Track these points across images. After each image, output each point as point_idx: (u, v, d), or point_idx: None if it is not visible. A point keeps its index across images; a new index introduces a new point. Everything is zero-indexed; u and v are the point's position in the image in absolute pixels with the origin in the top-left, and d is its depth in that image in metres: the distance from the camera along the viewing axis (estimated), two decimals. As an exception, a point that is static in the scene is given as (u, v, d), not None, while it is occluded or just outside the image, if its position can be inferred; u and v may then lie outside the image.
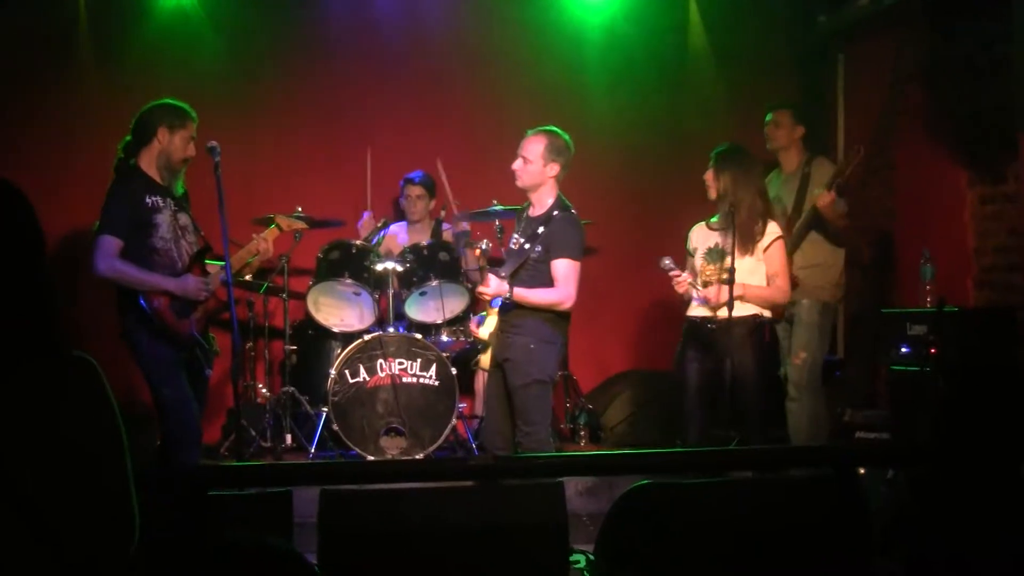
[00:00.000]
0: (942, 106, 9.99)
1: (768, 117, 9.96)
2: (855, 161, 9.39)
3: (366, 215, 10.40)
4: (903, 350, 8.84)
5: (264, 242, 8.12)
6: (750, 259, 8.19)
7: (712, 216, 8.43)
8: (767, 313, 8.33)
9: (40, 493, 3.05)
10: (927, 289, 8.97)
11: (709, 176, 8.35)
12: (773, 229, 8.28)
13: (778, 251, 8.27)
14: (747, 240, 8.18)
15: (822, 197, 9.28)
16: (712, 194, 8.32)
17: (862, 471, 7.40)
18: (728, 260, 8.12)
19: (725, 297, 8.03)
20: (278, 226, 8.41)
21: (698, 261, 8.38)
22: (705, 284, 8.29)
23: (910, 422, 8.69)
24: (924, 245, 9.32)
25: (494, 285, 7.80)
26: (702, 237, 8.47)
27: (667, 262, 8.33)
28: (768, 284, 8.26)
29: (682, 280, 8.27)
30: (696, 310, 8.33)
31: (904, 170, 10.64)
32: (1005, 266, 9.27)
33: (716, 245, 8.27)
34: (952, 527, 5.04)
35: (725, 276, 8.11)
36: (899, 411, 9.00)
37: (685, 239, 8.61)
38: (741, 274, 8.13)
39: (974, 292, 9.58)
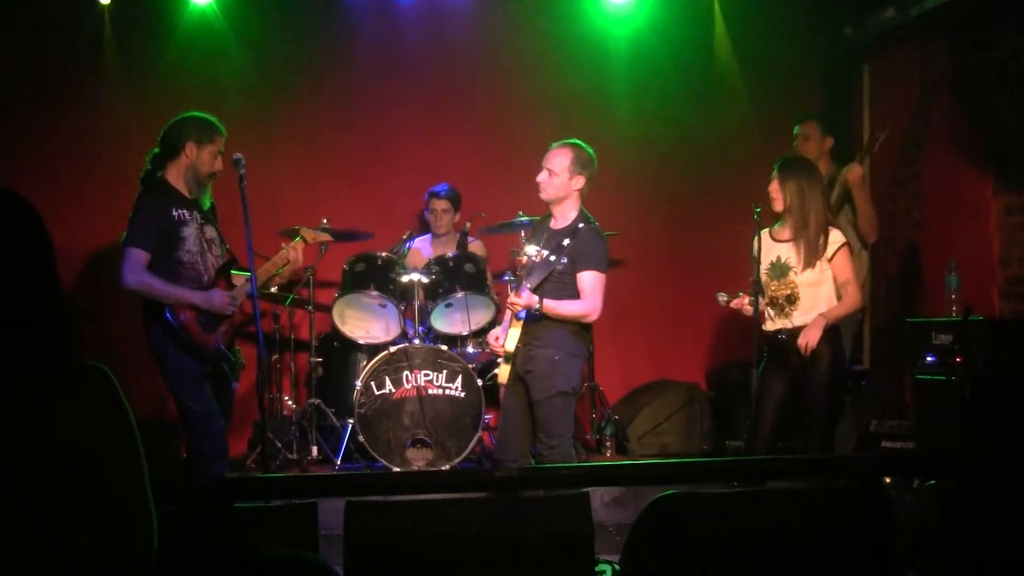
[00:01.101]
0: (968, 117, 9.98)
1: (796, 130, 9.96)
2: (882, 136, 9.45)
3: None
4: (929, 360, 8.84)
5: (293, 251, 8.07)
6: (811, 271, 8.09)
7: (774, 223, 8.32)
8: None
9: (53, 503, 3.06)
10: (952, 299, 8.97)
11: (774, 188, 8.19)
12: (836, 237, 8.13)
13: (844, 258, 8.12)
14: (812, 253, 8.06)
15: (853, 171, 9.41)
16: (778, 206, 8.19)
17: (888, 481, 7.39)
18: (791, 276, 8.10)
19: (815, 338, 8.00)
20: (303, 238, 8.36)
21: (761, 276, 8.31)
22: (772, 300, 8.19)
23: (936, 432, 8.68)
24: (950, 255, 9.31)
25: (525, 297, 7.80)
26: (765, 249, 8.29)
27: (723, 299, 8.29)
28: (840, 292, 8.15)
29: (745, 306, 8.19)
30: (770, 324, 8.25)
31: (930, 180, 10.62)
32: (1031, 276, 9.27)
33: (778, 259, 8.16)
34: (978, 537, 5.02)
35: (788, 292, 8.10)
36: (925, 421, 8.99)
37: (750, 247, 8.42)
38: (805, 289, 8.09)
39: (999, 302, 9.56)
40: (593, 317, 7.94)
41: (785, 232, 8.18)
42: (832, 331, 8.13)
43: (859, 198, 9.59)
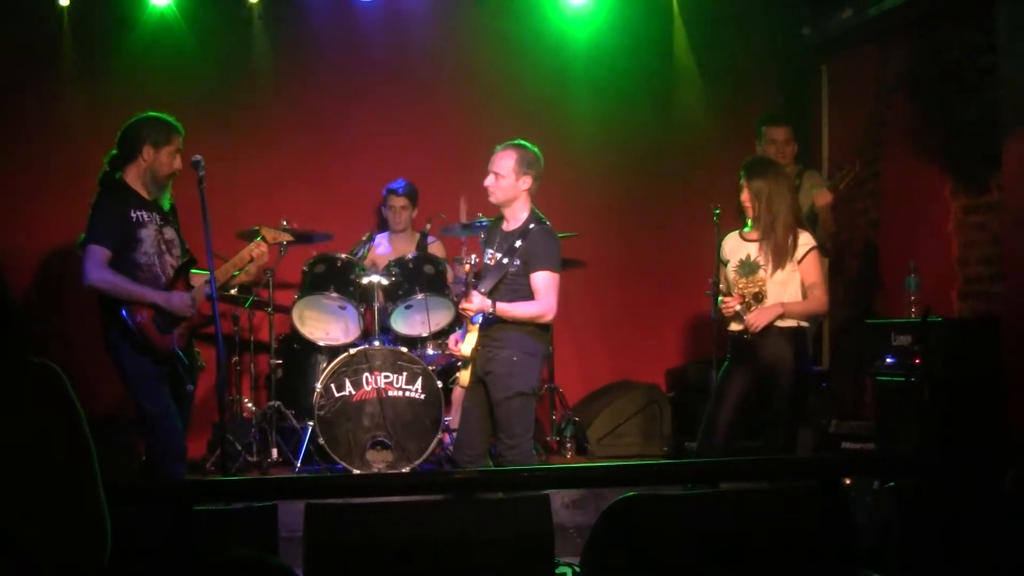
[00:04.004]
0: (926, 117, 10.02)
1: (761, 131, 9.96)
2: (851, 175, 9.46)
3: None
4: (888, 361, 8.86)
5: (257, 248, 7.98)
6: (781, 272, 8.11)
7: (744, 226, 8.33)
8: (805, 323, 8.28)
9: (4, 504, 3.02)
10: (912, 299, 8.99)
11: (745, 196, 8.16)
12: (806, 239, 8.14)
13: (813, 261, 8.14)
14: (781, 254, 8.08)
15: (822, 196, 9.40)
16: (750, 212, 8.21)
17: (848, 482, 7.40)
18: (761, 274, 8.11)
19: (765, 320, 8.01)
20: (263, 238, 8.29)
21: (731, 273, 8.29)
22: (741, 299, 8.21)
23: (895, 432, 8.70)
24: (909, 256, 9.35)
25: (477, 301, 7.79)
26: (735, 247, 8.30)
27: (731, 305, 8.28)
28: (806, 294, 8.19)
29: (730, 306, 8.19)
30: (735, 324, 8.25)
31: (889, 181, 10.66)
32: (989, 276, 9.29)
33: (748, 257, 8.17)
34: (938, 538, 5.04)
35: (756, 290, 8.11)
36: (884, 422, 9.01)
37: (717, 248, 8.43)
38: (774, 287, 8.10)
39: (958, 302, 9.60)
40: (548, 317, 7.92)
41: (754, 233, 8.19)
42: (798, 333, 8.15)
43: (825, 221, 9.60)
